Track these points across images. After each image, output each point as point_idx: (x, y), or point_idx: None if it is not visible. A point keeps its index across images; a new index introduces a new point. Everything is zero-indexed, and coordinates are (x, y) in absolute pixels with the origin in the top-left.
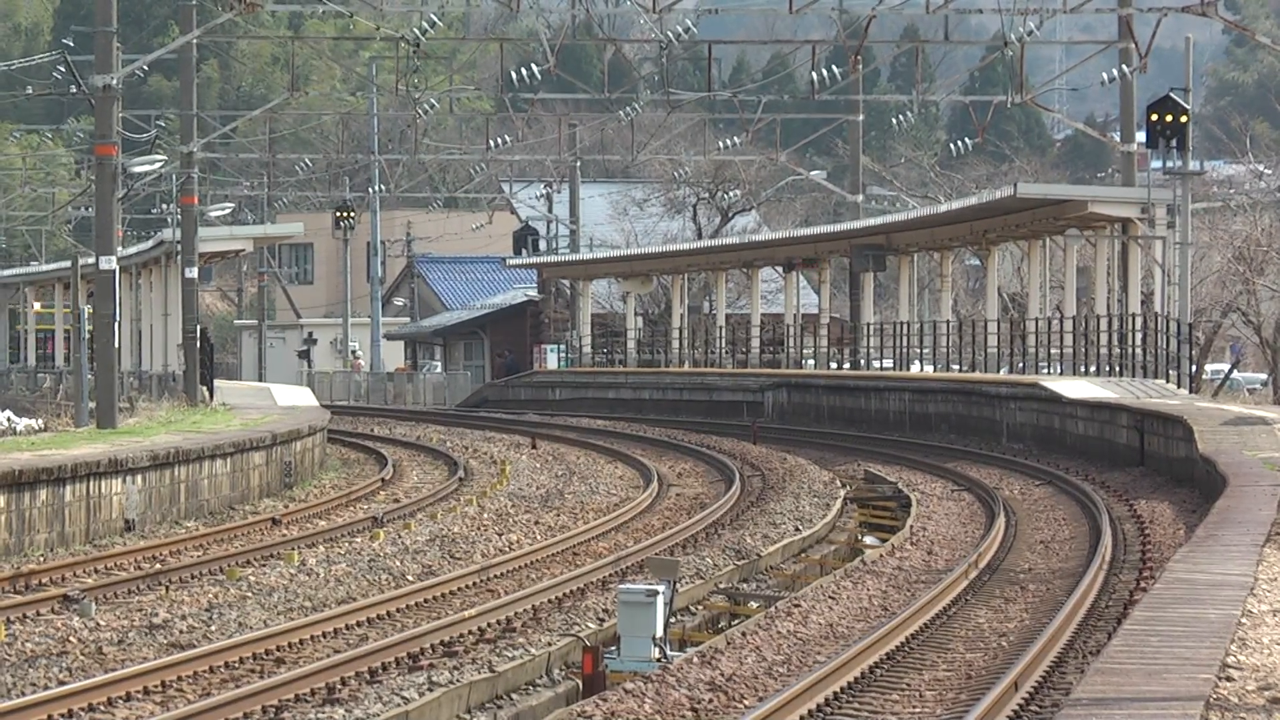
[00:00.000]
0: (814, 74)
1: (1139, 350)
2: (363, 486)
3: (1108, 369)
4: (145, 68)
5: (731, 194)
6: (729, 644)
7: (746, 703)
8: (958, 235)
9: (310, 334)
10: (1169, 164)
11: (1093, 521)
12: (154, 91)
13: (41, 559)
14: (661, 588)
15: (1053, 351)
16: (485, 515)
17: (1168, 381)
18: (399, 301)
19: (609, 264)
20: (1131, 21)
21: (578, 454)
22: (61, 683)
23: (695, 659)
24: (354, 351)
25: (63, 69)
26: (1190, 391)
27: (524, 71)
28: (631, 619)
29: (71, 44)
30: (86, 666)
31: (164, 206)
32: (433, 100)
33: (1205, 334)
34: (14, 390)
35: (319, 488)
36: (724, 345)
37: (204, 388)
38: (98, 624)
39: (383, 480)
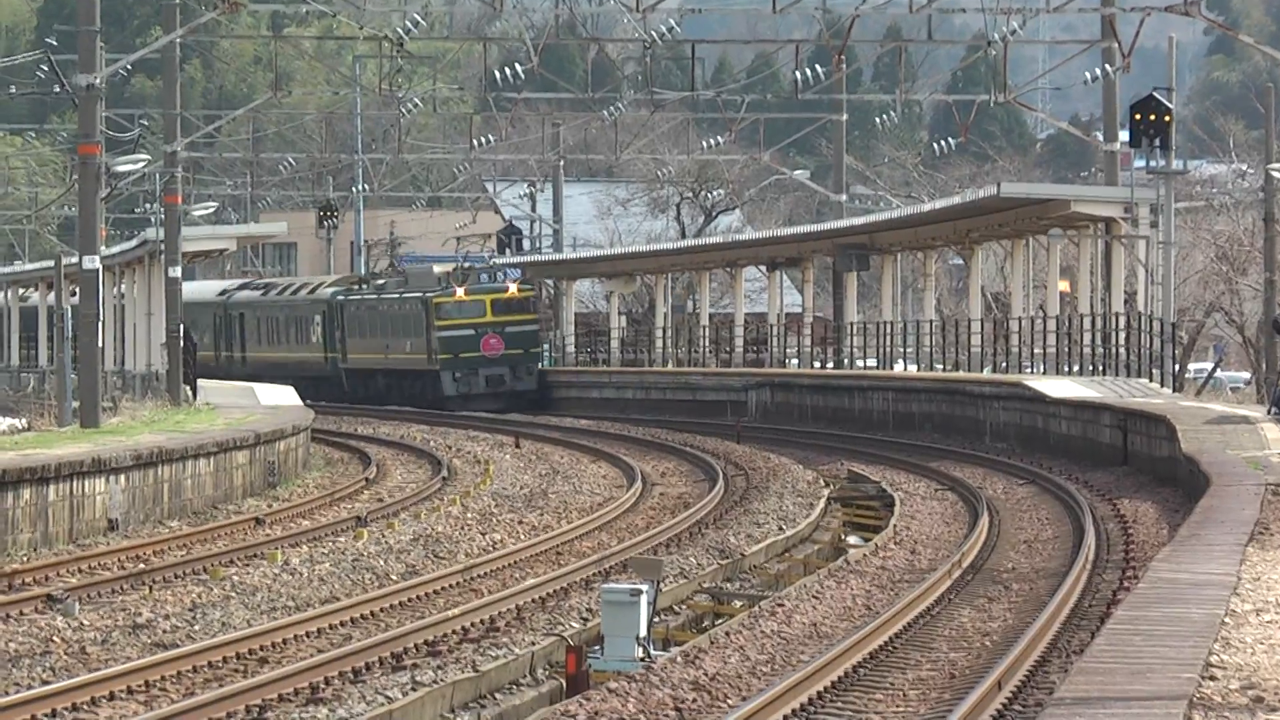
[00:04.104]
0: (797, 73)
1: (1122, 349)
2: (346, 486)
3: (1091, 368)
4: (128, 67)
5: (715, 193)
6: (712, 643)
7: (730, 702)
8: (941, 235)
9: None
10: (1152, 163)
11: (1076, 521)
12: (137, 91)
13: (25, 559)
14: (645, 587)
15: (1036, 351)
16: (469, 515)
17: (1151, 381)
18: None
19: (593, 263)
20: (1114, 21)
21: (561, 453)
22: (45, 682)
23: (679, 658)
24: None
25: (46, 68)
26: (1173, 391)
27: (507, 71)
28: (615, 618)
29: (55, 43)
30: (70, 666)
31: (147, 206)
32: (416, 100)
33: (1188, 333)
34: None
35: (302, 487)
36: (707, 345)
37: (187, 387)
38: (81, 624)
39: (366, 480)
